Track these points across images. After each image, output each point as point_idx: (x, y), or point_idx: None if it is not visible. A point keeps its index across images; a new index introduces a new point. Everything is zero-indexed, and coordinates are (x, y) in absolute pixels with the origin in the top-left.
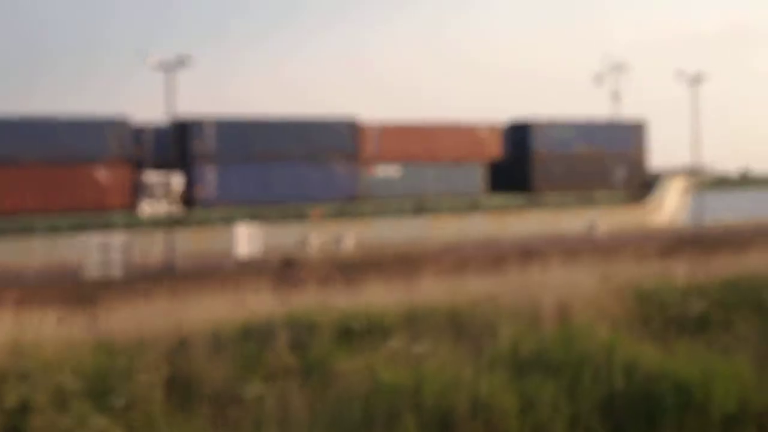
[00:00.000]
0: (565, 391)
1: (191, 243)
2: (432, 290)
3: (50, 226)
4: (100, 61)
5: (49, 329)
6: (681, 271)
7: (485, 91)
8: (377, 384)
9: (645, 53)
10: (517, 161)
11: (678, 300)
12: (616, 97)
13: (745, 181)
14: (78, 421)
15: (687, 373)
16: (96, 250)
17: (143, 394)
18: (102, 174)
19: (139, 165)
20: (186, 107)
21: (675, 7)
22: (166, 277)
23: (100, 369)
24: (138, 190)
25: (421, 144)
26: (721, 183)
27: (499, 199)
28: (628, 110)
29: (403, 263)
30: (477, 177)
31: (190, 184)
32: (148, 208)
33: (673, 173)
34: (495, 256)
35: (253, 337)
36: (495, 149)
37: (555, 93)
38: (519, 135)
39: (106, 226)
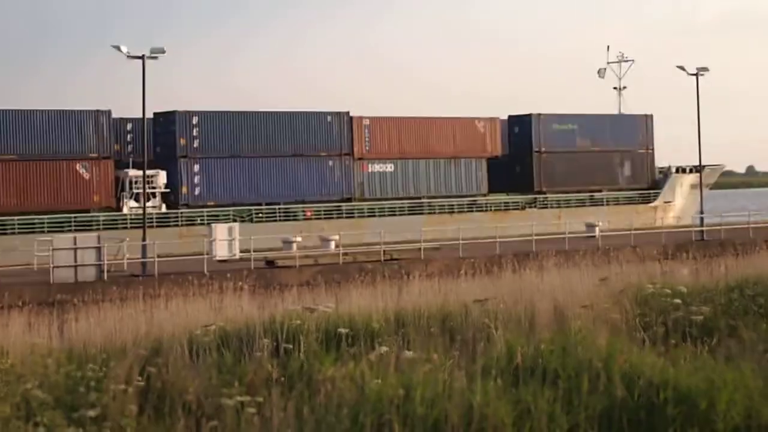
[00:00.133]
0: (563, 400)
1: (171, 244)
2: (422, 293)
3: (28, 225)
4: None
5: (14, 335)
6: (684, 273)
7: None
8: (364, 393)
9: (641, 44)
10: (518, 158)
11: (680, 305)
12: (619, 90)
13: (749, 179)
14: None
15: (690, 382)
16: (65, 251)
17: (116, 405)
18: (84, 170)
19: (120, 161)
20: (182, 101)
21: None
22: (141, 280)
23: (69, 378)
24: (120, 188)
25: (417, 139)
26: (726, 181)
27: (499, 198)
28: (633, 105)
29: (393, 264)
30: (477, 175)
31: (173, 182)
32: (132, 205)
33: (681, 170)
34: (490, 258)
35: (231, 344)
36: (495, 145)
37: (556, 86)
38: (519, 130)
39: (88, 224)
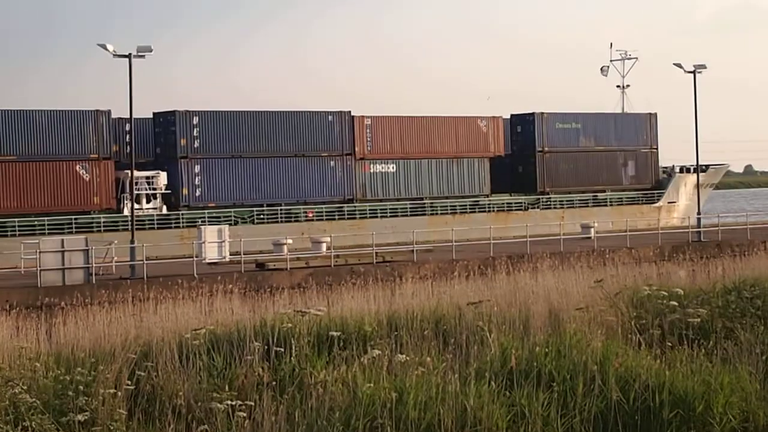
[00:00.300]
0: (557, 403)
1: (164, 246)
2: (415, 296)
3: (28, 227)
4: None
5: (2, 339)
6: (681, 275)
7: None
8: (357, 396)
9: (644, 42)
10: (521, 158)
11: (677, 307)
12: (623, 88)
13: (747, 179)
14: None
15: (686, 384)
16: (53, 254)
17: (105, 409)
18: (84, 171)
19: (119, 162)
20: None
21: None
22: (130, 283)
23: (58, 382)
24: (120, 189)
25: (419, 138)
26: (724, 181)
27: (502, 199)
28: (637, 104)
29: (386, 267)
30: (479, 175)
31: (173, 183)
32: (132, 207)
33: (685, 170)
34: (484, 260)
35: (222, 348)
36: (498, 144)
37: (556, 85)
38: (522, 129)
39: (88, 226)
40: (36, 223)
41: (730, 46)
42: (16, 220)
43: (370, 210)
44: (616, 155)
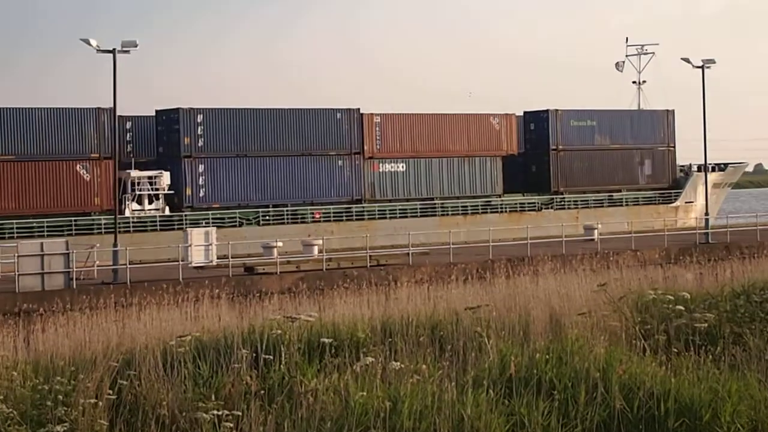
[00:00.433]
0: (558, 412)
1: (162, 248)
2: (410, 300)
3: (26, 229)
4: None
5: None
6: (687, 278)
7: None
8: (349, 405)
9: (659, 37)
10: (534, 157)
11: (683, 311)
12: (639, 84)
13: (757, 178)
14: None
15: (693, 392)
16: (32, 258)
17: (85, 419)
18: (84, 171)
19: (120, 161)
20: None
21: None
22: (112, 288)
23: (36, 392)
24: (122, 189)
25: (430, 136)
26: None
27: (515, 199)
28: (654, 101)
29: (380, 270)
30: (492, 174)
31: (176, 183)
32: (134, 208)
33: (701, 168)
34: (482, 263)
35: (208, 355)
36: (510, 142)
37: (564, 82)
38: (536, 127)
39: (89, 228)
40: (35, 224)
41: (739, 41)
42: (14, 221)
43: (379, 211)
44: (632, 154)
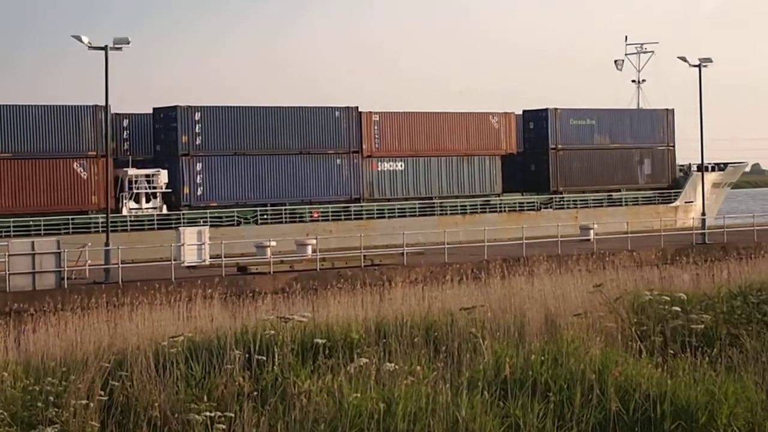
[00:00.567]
0: (554, 414)
1: (156, 248)
2: (405, 301)
3: (23, 227)
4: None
5: None
6: (684, 279)
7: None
8: (342, 407)
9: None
10: (533, 156)
11: (679, 313)
12: (638, 83)
13: (755, 178)
14: None
15: (689, 394)
16: (23, 257)
17: (76, 421)
18: (81, 169)
19: (117, 159)
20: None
21: None
22: (104, 288)
23: (27, 393)
24: (119, 188)
25: (429, 135)
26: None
27: (514, 198)
28: (654, 100)
29: (374, 271)
30: (491, 173)
31: (174, 181)
32: (131, 206)
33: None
34: (477, 263)
35: (200, 356)
36: (510, 141)
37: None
38: (535, 125)
39: (86, 227)
40: (32, 223)
41: (739, 40)
42: (10, 220)
43: (377, 210)
44: (631, 153)
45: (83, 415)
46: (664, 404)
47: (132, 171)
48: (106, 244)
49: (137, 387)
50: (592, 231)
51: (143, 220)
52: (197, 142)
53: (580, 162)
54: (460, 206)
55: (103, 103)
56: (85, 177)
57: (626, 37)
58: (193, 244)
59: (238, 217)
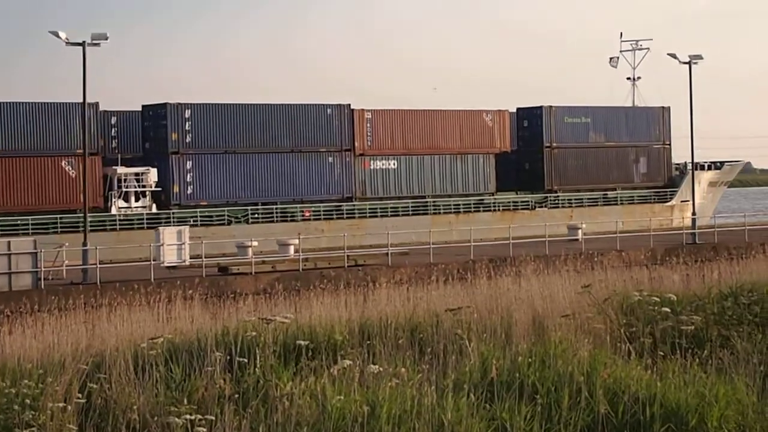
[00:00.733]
0: (541, 417)
1: (135, 247)
2: (389, 302)
3: (10, 227)
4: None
5: None
6: (674, 280)
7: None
8: (326, 410)
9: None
10: (527, 154)
11: (669, 314)
12: (633, 80)
13: (746, 177)
14: None
15: (679, 396)
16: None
17: (53, 424)
18: (70, 167)
19: (105, 157)
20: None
21: None
22: (82, 288)
23: (2, 396)
24: (108, 186)
25: (422, 133)
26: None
27: (508, 197)
28: (650, 98)
29: (358, 271)
30: (485, 172)
31: (163, 180)
32: (120, 205)
33: (699, 167)
34: (463, 264)
35: (180, 358)
36: (504, 139)
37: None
38: (529, 123)
39: (75, 226)
40: (19, 222)
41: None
42: None
43: (370, 209)
44: (627, 151)
45: (60, 418)
46: (654, 407)
47: (121, 169)
48: (84, 244)
49: (116, 389)
50: (580, 231)
51: (132, 220)
52: (187, 140)
53: (575, 160)
54: (454, 205)
55: (95, 101)
56: (74, 175)
57: (621, 33)
58: (173, 244)
59: (228, 216)
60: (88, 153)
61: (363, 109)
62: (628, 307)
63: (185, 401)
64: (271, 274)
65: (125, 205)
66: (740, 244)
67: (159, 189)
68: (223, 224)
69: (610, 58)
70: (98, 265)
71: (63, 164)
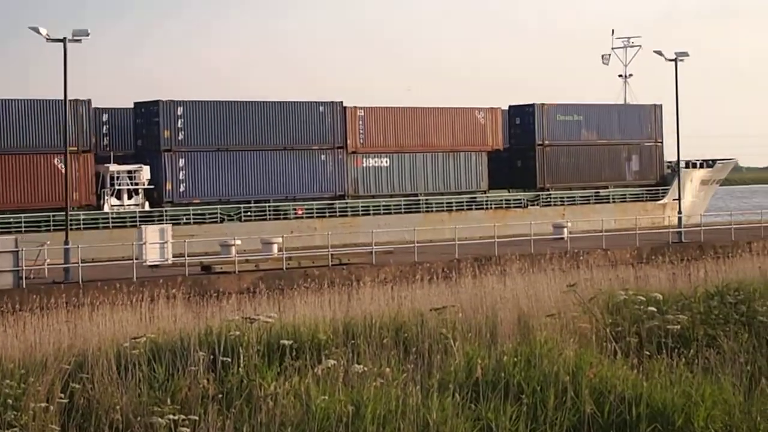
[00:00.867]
0: (526, 416)
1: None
2: (374, 301)
3: (2, 225)
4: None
5: None
6: (660, 279)
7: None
8: (310, 410)
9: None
10: (519, 152)
11: (655, 313)
12: (625, 78)
13: (733, 176)
14: None
15: (665, 396)
16: None
17: (36, 425)
18: (62, 165)
19: (97, 154)
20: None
21: None
22: (64, 287)
23: None
24: (100, 184)
25: (414, 130)
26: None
27: (500, 195)
28: (642, 95)
29: (342, 270)
30: (477, 170)
31: (156, 178)
32: (113, 203)
33: (691, 165)
34: (448, 263)
35: (163, 358)
36: (496, 137)
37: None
38: (521, 121)
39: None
40: (11, 220)
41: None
42: None
43: (362, 207)
44: (619, 149)
45: (43, 418)
46: (640, 406)
47: (113, 167)
48: (66, 242)
49: (98, 389)
50: (565, 229)
51: (125, 217)
52: (180, 138)
53: (567, 158)
54: (446, 203)
55: (87, 98)
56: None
57: (613, 31)
58: (156, 243)
59: (221, 214)
60: (80, 150)
61: (355, 107)
62: (614, 307)
63: (168, 401)
64: (255, 273)
65: (118, 202)
66: (726, 243)
67: (151, 187)
68: (216, 222)
69: (602, 56)
70: (80, 264)
71: (55, 162)
